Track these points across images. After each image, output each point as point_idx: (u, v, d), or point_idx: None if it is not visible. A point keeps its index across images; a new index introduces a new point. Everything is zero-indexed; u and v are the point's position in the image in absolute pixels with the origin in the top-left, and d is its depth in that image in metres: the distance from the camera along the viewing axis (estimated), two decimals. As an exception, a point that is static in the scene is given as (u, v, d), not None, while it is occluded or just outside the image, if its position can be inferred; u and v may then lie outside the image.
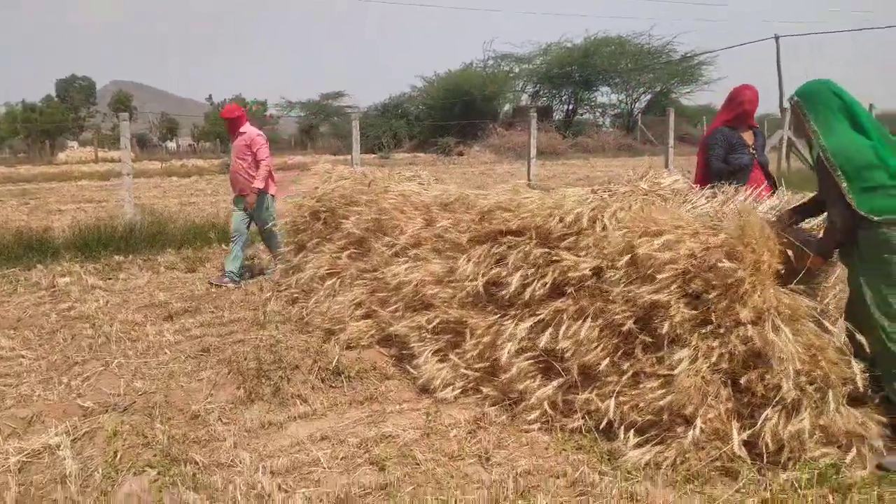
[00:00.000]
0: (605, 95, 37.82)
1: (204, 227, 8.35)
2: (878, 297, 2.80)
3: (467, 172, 19.00)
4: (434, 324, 3.83)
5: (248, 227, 6.39)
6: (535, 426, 3.20)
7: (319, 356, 3.90)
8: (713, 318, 2.88)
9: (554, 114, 35.50)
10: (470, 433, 3.18)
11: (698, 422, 2.76)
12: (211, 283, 6.08)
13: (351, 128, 9.35)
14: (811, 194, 3.36)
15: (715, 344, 2.86)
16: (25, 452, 3.01)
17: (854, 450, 2.73)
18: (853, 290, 2.92)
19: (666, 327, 2.92)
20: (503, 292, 3.53)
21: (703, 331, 2.91)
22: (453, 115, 30.60)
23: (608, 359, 3.11)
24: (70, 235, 7.64)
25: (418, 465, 2.89)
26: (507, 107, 35.83)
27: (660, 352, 2.98)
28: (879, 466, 2.74)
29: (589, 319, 3.17)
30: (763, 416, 2.74)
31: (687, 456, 2.76)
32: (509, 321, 3.49)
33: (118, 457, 2.96)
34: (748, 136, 4.38)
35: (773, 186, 4.27)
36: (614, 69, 34.51)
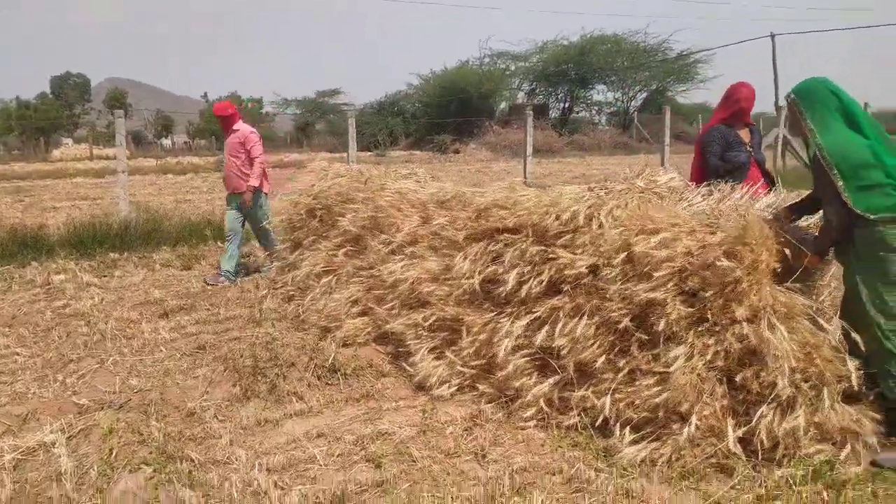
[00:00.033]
0: (601, 93, 37.89)
1: (200, 224, 8.33)
2: (874, 294, 2.81)
3: (463, 170, 19.00)
4: (430, 321, 3.83)
5: (242, 226, 6.37)
6: (532, 423, 3.20)
7: (315, 353, 3.90)
8: (709, 316, 2.89)
9: (550, 112, 35.52)
10: (466, 430, 3.18)
11: (694, 419, 2.77)
12: (206, 283, 6.06)
13: (347, 125, 9.34)
14: (807, 192, 3.38)
15: (711, 341, 2.87)
16: (20, 450, 3.00)
17: (848, 446, 2.74)
18: (849, 288, 2.93)
19: (662, 325, 2.92)
20: (500, 290, 3.54)
21: (699, 328, 2.91)
22: (449, 112, 30.59)
23: (604, 356, 3.11)
24: (65, 233, 7.62)
25: (414, 462, 2.90)
26: (503, 105, 35.83)
27: (656, 349, 2.99)
28: (873, 463, 2.75)
29: (585, 317, 3.18)
30: (758, 413, 2.75)
31: (682, 453, 2.76)
32: (505, 319, 3.49)
33: (114, 454, 2.95)
34: (745, 134, 4.39)
35: (770, 184, 4.28)
36: (610, 67, 34.56)
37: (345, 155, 9.81)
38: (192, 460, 2.90)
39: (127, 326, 4.84)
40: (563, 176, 16.24)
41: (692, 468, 2.72)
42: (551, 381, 3.26)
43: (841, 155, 2.86)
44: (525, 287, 3.41)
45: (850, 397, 2.84)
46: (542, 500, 2.53)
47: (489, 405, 3.39)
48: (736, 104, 4.35)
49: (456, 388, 3.55)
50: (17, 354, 4.32)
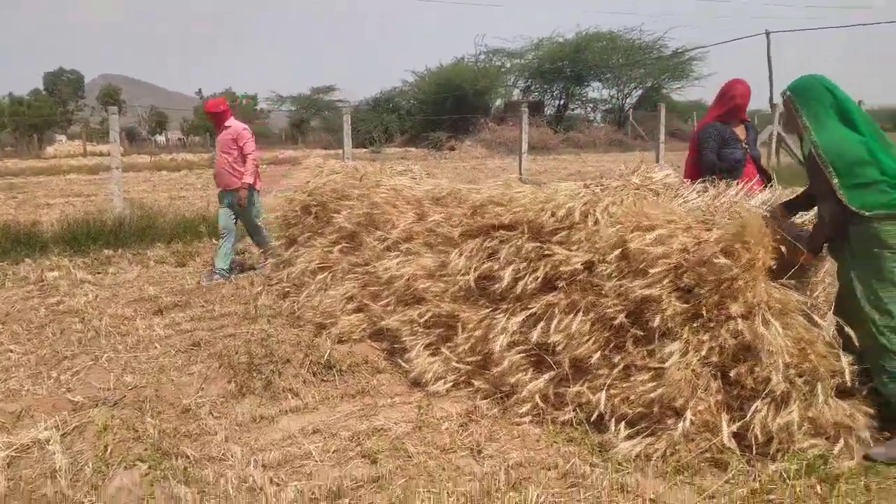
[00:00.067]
0: (596, 91, 37.95)
1: (194, 221, 8.31)
2: (869, 291, 2.82)
3: (459, 167, 18.99)
4: (426, 318, 3.83)
5: (235, 223, 6.35)
6: (527, 419, 3.21)
7: (311, 350, 3.90)
8: (704, 312, 2.90)
9: (545, 109, 35.53)
10: (462, 426, 3.19)
11: (688, 414, 2.78)
12: (202, 284, 6.01)
13: (342, 122, 9.32)
14: (801, 189, 3.39)
15: (705, 337, 2.88)
16: (14, 447, 2.99)
17: (842, 441, 2.76)
18: (843, 284, 2.95)
19: (657, 321, 2.93)
20: (495, 286, 3.54)
21: (694, 324, 2.92)
22: (445, 109, 30.55)
23: (599, 352, 3.12)
24: (59, 229, 7.59)
25: (410, 457, 2.90)
26: (498, 102, 35.84)
27: (651, 345, 2.99)
28: (866, 457, 2.77)
29: (580, 313, 3.18)
30: (752, 408, 2.76)
31: (677, 447, 2.78)
32: (501, 315, 3.50)
33: (108, 451, 2.95)
34: (740, 131, 4.39)
35: (765, 180, 4.29)
36: (606, 64, 34.57)
37: (340, 152, 9.79)
38: (188, 457, 2.90)
39: (121, 323, 4.82)
40: (558, 173, 16.24)
41: (687, 463, 2.73)
42: (547, 376, 3.26)
43: (836, 153, 2.87)
44: (520, 283, 3.42)
45: (843, 392, 2.86)
46: (537, 495, 2.53)
47: (485, 401, 3.39)
48: (731, 101, 4.35)
49: (451, 384, 3.55)
50: (11, 351, 4.30)
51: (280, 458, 2.90)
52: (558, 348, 3.21)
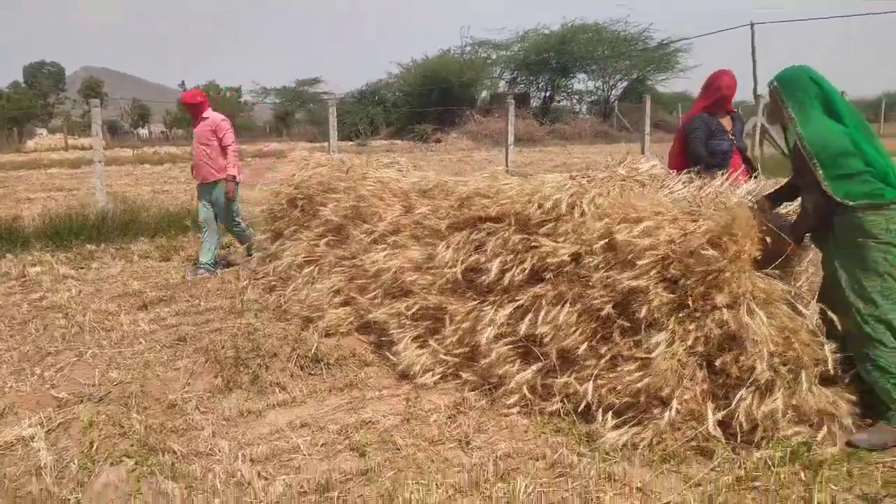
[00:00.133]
0: (581, 82, 37.93)
1: (178, 214, 8.23)
2: (853, 280, 2.86)
3: (445, 159, 18.96)
4: (413, 310, 3.83)
5: (216, 216, 6.28)
6: (515, 410, 3.22)
7: (298, 344, 3.88)
8: (690, 303, 2.92)
9: (531, 101, 35.49)
10: (450, 418, 3.19)
11: (674, 403, 2.81)
12: (186, 278, 5.96)
13: (327, 114, 9.26)
14: (785, 180, 3.41)
15: (691, 327, 2.91)
16: (-2, 444, 2.96)
17: (825, 428, 2.80)
18: (828, 274, 2.98)
19: (644, 311, 2.95)
20: (482, 278, 3.54)
21: (680, 314, 2.94)
22: (430, 101, 30.43)
23: (586, 343, 3.13)
24: (40, 224, 7.49)
25: (399, 450, 2.90)
26: (484, 93, 35.75)
27: (637, 335, 3.01)
28: (849, 443, 2.81)
29: (567, 304, 3.19)
30: (737, 396, 2.79)
31: (663, 436, 2.80)
32: (489, 307, 3.50)
33: (94, 447, 2.92)
34: (726, 122, 4.42)
35: (750, 171, 4.32)
36: (591, 56, 34.56)
37: (325, 144, 9.74)
38: (175, 452, 2.88)
39: (105, 318, 4.77)
40: (544, 165, 16.27)
41: (673, 451, 2.76)
42: (534, 368, 3.27)
43: (821, 144, 2.89)
44: (508, 275, 3.42)
45: (826, 380, 2.90)
46: (525, 486, 2.54)
47: (473, 393, 3.40)
48: (718, 92, 4.37)
49: (439, 376, 3.56)
50: (-7, 348, 4.25)
51: (268, 453, 2.89)
52: (545, 340, 3.22)
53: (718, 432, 2.78)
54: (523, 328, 3.28)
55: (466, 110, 30.76)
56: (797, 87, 3.02)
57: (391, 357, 3.80)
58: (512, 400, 3.24)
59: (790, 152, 3.16)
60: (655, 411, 2.88)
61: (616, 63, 35.25)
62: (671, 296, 2.96)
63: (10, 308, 5.09)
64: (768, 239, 2.97)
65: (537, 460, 2.80)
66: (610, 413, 2.96)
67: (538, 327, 3.23)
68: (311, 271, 4.83)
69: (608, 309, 3.09)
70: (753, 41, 17.87)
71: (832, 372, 2.84)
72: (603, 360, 3.07)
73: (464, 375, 3.52)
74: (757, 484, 2.56)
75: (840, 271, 2.88)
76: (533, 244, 3.39)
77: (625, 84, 36.58)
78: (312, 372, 3.72)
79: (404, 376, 3.63)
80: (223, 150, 6.08)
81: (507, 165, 9.69)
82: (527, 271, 3.38)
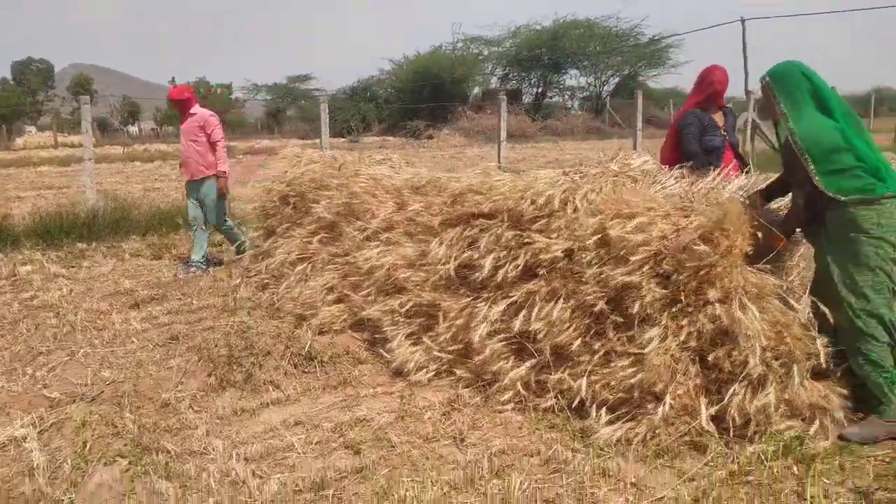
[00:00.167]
0: (573, 78, 38.09)
1: (169, 212, 8.18)
2: (845, 275, 2.87)
3: (437, 156, 18.94)
4: (407, 307, 3.83)
5: (204, 215, 6.24)
6: (509, 406, 3.23)
7: (291, 342, 3.87)
8: (682, 298, 2.93)
9: (523, 97, 35.52)
10: (444, 415, 3.19)
11: (668, 398, 2.82)
12: (177, 276, 5.92)
13: (319, 111, 9.23)
14: (775, 175, 3.43)
15: (684, 322, 2.91)
16: (-10, 445, 2.94)
17: (817, 422, 2.81)
18: (820, 269, 2.99)
19: (637, 307, 2.96)
20: (476, 275, 3.54)
21: (673, 310, 2.95)
22: (423, 98, 30.40)
23: (580, 339, 3.14)
24: (30, 223, 7.43)
25: (393, 447, 2.90)
26: (476, 90, 35.75)
27: (630, 331, 3.02)
28: (841, 437, 2.83)
29: (561, 301, 3.20)
30: (730, 391, 2.80)
31: (657, 431, 2.81)
32: (482, 303, 3.50)
33: (87, 447, 2.90)
34: (718, 117, 4.43)
35: (742, 166, 4.33)
36: (583, 52, 34.62)
37: (317, 141, 9.70)
38: (169, 451, 2.87)
39: (97, 317, 4.75)
40: (536, 161, 16.27)
41: (666, 446, 2.77)
42: (528, 364, 3.28)
43: (813, 140, 2.90)
44: (501, 272, 3.42)
45: (818, 374, 2.91)
46: (520, 482, 2.55)
47: (467, 390, 3.40)
48: (710, 87, 4.38)
49: (433, 373, 3.56)
50: (-16, 348, 4.22)
51: (262, 451, 2.88)
52: (539, 336, 3.23)
53: (712, 427, 2.79)
54: (517, 324, 3.28)
55: (458, 107, 30.74)
56: (789, 83, 3.03)
57: (385, 354, 3.79)
58: (506, 396, 3.25)
59: (781, 147, 3.17)
60: (649, 406, 2.89)
61: (608, 59, 35.34)
62: (664, 291, 2.97)
63: (0, 308, 5.05)
64: (760, 234, 2.99)
65: (532, 456, 2.80)
66: (604, 409, 2.96)
67: (532, 323, 3.23)
68: (304, 269, 4.82)
69: (601, 305, 3.09)
70: (744, 37, 17.93)
71: (824, 366, 2.86)
72: (596, 356, 3.08)
73: (458, 372, 3.52)
74: (750, 478, 2.57)
75: (832, 266, 2.90)
76: (526, 240, 3.39)
77: (616, 80, 36.68)
78: (306, 370, 3.71)
79: (398, 373, 3.63)
80: (212, 146, 6.04)
81: (499, 162, 9.70)
82: (520, 268, 3.38)
